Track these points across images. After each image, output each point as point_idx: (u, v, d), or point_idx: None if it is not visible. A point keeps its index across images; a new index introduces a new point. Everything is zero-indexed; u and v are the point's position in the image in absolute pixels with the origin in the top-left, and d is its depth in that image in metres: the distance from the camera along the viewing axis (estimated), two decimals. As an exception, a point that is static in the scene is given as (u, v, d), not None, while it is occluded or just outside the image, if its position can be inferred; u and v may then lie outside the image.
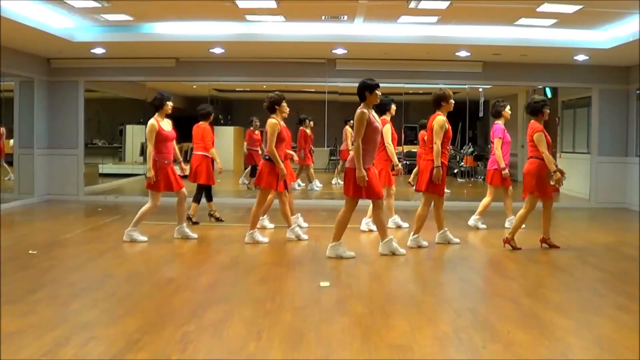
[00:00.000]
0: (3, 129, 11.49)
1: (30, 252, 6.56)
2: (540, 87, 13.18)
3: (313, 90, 12.62)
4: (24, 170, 11.25)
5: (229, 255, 6.71)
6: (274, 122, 7.09)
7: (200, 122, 8.62)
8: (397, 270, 6.10)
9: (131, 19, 9.19)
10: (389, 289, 5.44)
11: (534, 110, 7.02)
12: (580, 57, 10.63)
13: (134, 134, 14.83)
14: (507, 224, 8.48)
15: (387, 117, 8.05)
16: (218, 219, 8.89)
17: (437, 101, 7.07)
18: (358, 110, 6.30)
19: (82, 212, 10.41)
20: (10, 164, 11.37)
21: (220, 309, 4.54)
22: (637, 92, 11.19)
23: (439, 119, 6.96)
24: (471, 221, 8.69)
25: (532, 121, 7.06)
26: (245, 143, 13.07)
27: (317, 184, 13.01)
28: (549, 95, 13.52)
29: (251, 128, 12.70)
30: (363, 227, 8.24)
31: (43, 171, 11.47)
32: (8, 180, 11.52)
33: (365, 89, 6.34)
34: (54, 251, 6.80)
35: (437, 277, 6.14)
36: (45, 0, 8.24)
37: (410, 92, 12.80)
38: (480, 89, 12.85)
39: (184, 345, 3.78)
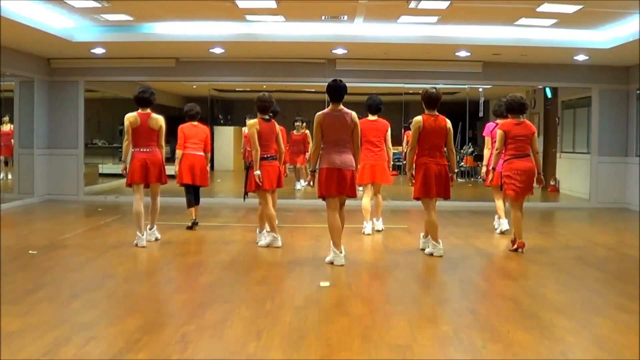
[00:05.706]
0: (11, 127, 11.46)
1: (30, 252, 6.56)
2: (540, 87, 13.21)
3: (313, 90, 12.60)
4: (24, 170, 11.25)
5: (229, 255, 6.70)
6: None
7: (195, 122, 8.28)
8: (397, 270, 6.10)
9: (131, 19, 9.19)
10: (389, 289, 5.44)
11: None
12: (580, 57, 10.62)
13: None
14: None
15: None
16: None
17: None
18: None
19: (82, 212, 10.41)
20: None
21: (220, 309, 4.54)
22: (637, 92, 11.19)
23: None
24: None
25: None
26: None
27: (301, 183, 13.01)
28: (549, 95, 13.55)
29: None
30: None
31: (43, 171, 11.45)
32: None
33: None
34: (54, 251, 6.80)
35: (437, 277, 6.14)
36: (45, 0, 8.24)
37: (410, 92, 12.78)
38: (480, 89, 12.85)
39: (184, 345, 3.78)
